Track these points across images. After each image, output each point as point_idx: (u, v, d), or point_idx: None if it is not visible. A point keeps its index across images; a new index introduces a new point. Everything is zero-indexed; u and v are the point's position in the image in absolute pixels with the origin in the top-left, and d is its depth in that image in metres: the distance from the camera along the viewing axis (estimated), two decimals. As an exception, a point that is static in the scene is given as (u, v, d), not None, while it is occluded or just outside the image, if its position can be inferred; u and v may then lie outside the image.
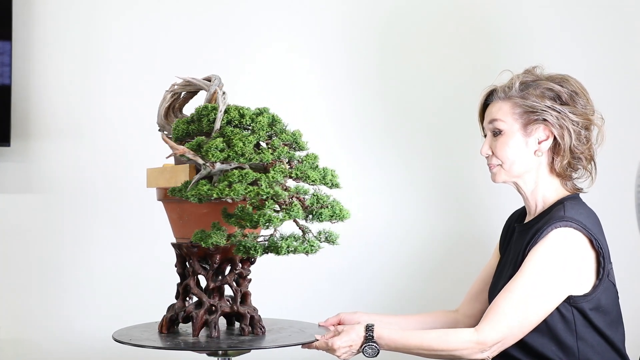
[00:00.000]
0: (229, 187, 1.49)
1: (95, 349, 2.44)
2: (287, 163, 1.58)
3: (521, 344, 1.68)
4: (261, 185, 1.50)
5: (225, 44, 2.50)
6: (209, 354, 1.67)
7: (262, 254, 1.53)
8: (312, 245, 1.51)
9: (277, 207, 1.52)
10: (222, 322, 1.71)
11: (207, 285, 1.67)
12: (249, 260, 1.69)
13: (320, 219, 1.53)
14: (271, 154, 1.54)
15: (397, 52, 2.53)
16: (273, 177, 1.51)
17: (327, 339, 1.67)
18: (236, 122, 1.59)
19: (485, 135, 1.81)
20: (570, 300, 1.66)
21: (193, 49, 2.49)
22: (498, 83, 1.79)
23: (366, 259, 2.51)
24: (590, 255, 1.67)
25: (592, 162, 1.77)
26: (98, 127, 2.46)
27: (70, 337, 2.46)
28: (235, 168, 1.55)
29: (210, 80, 1.70)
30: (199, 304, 1.67)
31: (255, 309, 1.69)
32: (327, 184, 1.57)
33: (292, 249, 1.50)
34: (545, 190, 1.76)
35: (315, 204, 1.53)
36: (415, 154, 2.52)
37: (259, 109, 1.63)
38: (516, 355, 1.69)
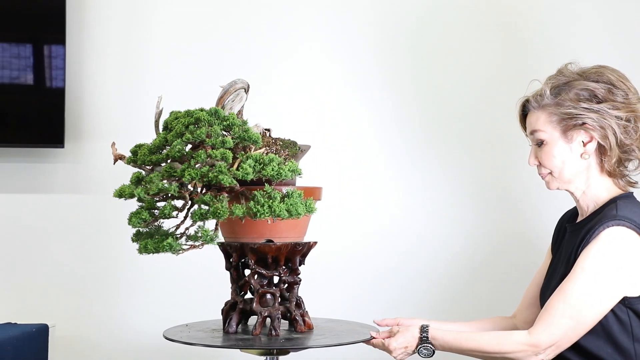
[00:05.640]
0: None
1: (147, 346, 2.48)
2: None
3: (576, 347, 1.65)
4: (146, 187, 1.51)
5: (262, 48, 2.52)
6: (260, 354, 1.68)
7: (142, 252, 1.53)
8: (171, 245, 1.48)
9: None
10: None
11: (237, 283, 1.70)
12: (267, 261, 1.68)
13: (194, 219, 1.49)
14: (167, 154, 1.53)
15: (433, 52, 2.51)
16: (150, 178, 1.51)
17: (383, 338, 1.69)
18: (171, 125, 1.60)
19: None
20: (625, 302, 1.62)
21: (237, 51, 2.51)
22: (529, 92, 1.74)
23: (410, 260, 2.49)
24: (645, 255, 1.63)
25: None
26: (149, 128, 2.49)
27: (122, 335, 2.50)
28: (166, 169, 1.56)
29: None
30: (230, 300, 1.72)
31: (277, 311, 1.66)
32: (212, 181, 1.50)
33: (149, 248, 1.49)
34: (597, 190, 1.72)
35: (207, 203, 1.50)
36: (463, 153, 2.50)
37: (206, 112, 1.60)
38: (572, 358, 1.66)
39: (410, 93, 2.51)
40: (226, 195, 1.51)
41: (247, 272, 1.71)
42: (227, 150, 1.50)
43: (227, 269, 1.73)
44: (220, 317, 1.75)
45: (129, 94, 2.52)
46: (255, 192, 1.51)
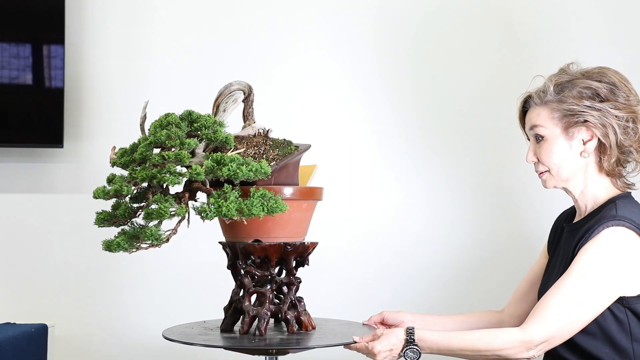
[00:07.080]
0: None
1: (147, 345, 2.48)
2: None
3: (575, 347, 1.64)
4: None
5: (263, 49, 2.52)
6: (251, 353, 1.68)
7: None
8: (119, 244, 1.49)
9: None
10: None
11: (235, 282, 1.71)
12: (263, 261, 1.68)
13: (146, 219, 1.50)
14: (133, 157, 1.54)
15: (433, 53, 2.50)
16: (116, 180, 1.53)
17: (366, 342, 1.63)
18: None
19: (529, 139, 1.77)
20: (623, 302, 1.61)
21: (238, 51, 2.51)
22: (532, 88, 1.74)
23: (410, 259, 2.49)
24: (644, 255, 1.62)
25: None
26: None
27: (122, 335, 2.50)
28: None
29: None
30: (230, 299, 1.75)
31: (266, 311, 1.65)
32: (160, 182, 1.50)
33: (104, 246, 1.52)
34: (596, 190, 1.71)
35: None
36: (463, 153, 2.50)
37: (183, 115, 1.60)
38: (570, 358, 1.65)
39: (411, 93, 2.51)
40: (180, 195, 1.51)
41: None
42: (183, 152, 1.48)
43: (227, 267, 1.73)
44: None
45: (128, 94, 2.53)
46: (214, 191, 1.50)
